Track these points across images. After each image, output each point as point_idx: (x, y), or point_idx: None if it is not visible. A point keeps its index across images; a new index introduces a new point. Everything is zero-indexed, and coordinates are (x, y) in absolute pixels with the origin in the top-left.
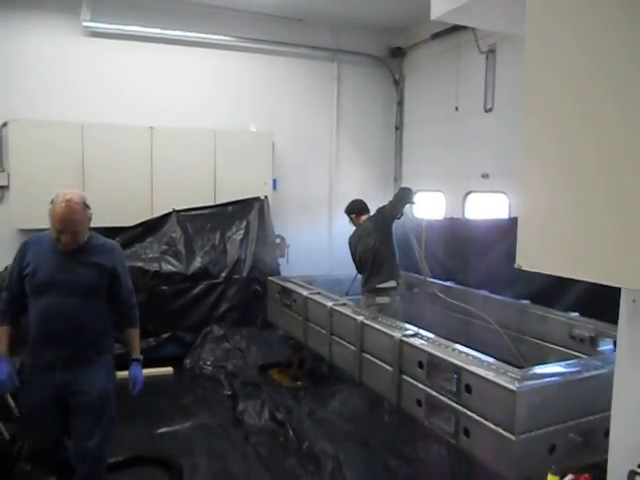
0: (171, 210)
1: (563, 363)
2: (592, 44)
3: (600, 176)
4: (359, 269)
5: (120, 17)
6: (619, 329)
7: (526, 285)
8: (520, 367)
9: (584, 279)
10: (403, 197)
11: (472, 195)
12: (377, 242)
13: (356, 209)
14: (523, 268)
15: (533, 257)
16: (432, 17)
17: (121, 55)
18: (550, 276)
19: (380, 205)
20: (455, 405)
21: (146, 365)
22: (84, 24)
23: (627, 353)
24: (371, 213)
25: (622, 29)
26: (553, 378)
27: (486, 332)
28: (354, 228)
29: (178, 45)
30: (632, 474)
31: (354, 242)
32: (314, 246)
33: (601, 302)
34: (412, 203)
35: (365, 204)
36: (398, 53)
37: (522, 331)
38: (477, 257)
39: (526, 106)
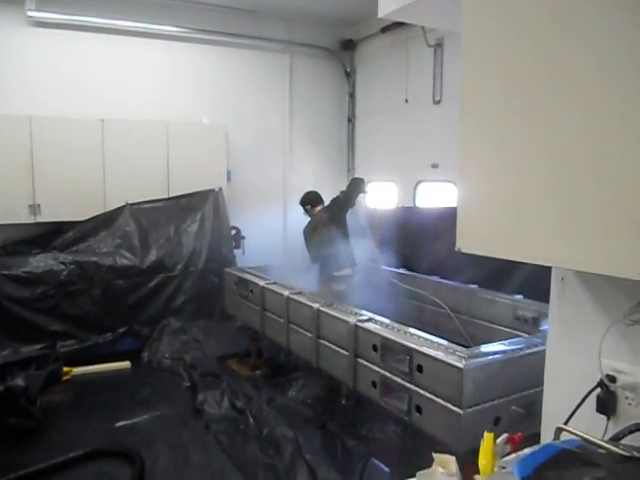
0: (124, 203)
1: (507, 341)
2: (523, 36)
3: (531, 164)
4: (315, 259)
5: (68, 6)
6: (550, 305)
7: (474, 270)
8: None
9: (517, 259)
10: (356, 187)
11: (423, 184)
12: (332, 232)
13: (311, 200)
14: (463, 251)
15: (471, 240)
16: (379, 15)
17: (69, 46)
18: (495, 261)
19: (334, 196)
20: (408, 384)
21: (103, 360)
22: (29, 14)
23: (557, 326)
24: (325, 204)
25: (554, 25)
26: (497, 355)
27: (438, 316)
28: (308, 219)
29: (128, 36)
30: (558, 430)
31: (309, 232)
32: (269, 237)
33: (543, 285)
34: (364, 192)
35: (319, 195)
36: (349, 45)
37: (471, 314)
38: (428, 244)
39: (462, 98)
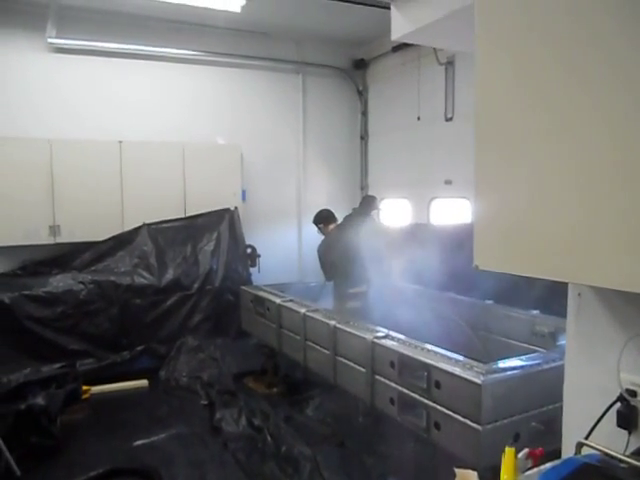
0: (142, 223)
1: (524, 357)
2: (540, 53)
3: (546, 181)
4: (329, 276)
5: (86, 33)
6: (567, 320)
7: (489, 286)
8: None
9: (534, 276)
10: (368, 204)
11: (436, 201)
12: (346, 249)
13: (323, 218)
14: (480, 268)
15: (488, 258)
16: (392, 38)
17: (88, 70)
18: (511, 276)
19: (347, 214)
20: (426, 401)
21: (121, 378)
22: (49, 40)
23: (574, 341)
24: (338, 222)
25: (561, 47)
26: (515, 371)
27: (454, 332)
28: (322, 237)
29: (144, 60)
30: (579, 445)
31: (324, 250)
32: (284, 255)
33: (559, 300)
34: (377, 210)
35: (332, 213)
36: (361, 65)
37: (488, 330)
38: (442, 261)
39: (476, 116)
